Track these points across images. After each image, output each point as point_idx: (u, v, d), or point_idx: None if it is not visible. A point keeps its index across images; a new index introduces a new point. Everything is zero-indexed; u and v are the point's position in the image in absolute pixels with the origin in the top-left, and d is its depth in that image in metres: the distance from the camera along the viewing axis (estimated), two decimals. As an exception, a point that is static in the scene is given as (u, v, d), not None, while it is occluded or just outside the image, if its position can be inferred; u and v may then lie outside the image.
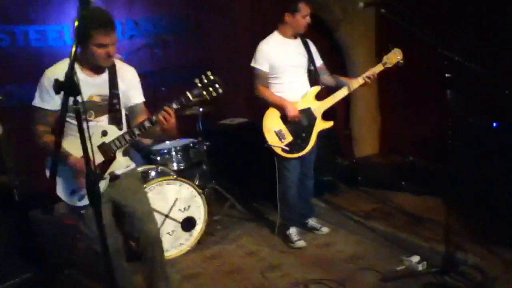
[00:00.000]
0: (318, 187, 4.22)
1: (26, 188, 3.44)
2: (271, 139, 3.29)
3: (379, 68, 3.33)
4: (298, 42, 3.40)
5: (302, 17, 3.26)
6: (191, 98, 2.39)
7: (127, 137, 2.42)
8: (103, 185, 2.43)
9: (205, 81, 2.39)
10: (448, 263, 2.76)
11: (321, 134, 3.46)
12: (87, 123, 2.27)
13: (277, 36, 3.36)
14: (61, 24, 4.60)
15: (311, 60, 3.42)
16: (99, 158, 2.39)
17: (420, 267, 2.87)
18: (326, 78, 3.48)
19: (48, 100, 2.31)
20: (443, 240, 3.07)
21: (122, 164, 2.49)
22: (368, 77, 3.32)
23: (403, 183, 4.24)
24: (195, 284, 3.07)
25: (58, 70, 2.29)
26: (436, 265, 2.83)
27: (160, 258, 2.69)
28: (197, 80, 2.40)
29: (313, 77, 3.45)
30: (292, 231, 3.50)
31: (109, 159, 2.43)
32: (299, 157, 3.37)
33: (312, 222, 3.67)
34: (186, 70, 5.26)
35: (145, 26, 5.15)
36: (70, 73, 1.72)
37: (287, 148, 3.30)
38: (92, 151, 1.83)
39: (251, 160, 4.21)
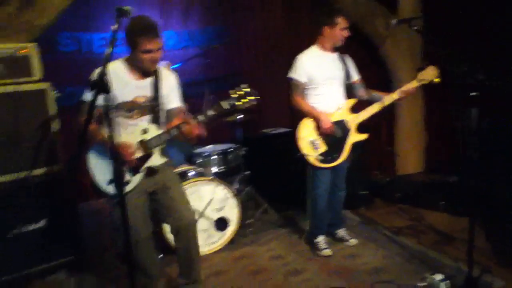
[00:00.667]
0: (354, 201, 4.29)
1: (75, 181, 3.80)
2: (305, 148, 3.39)
3: (413, 84, 3.34)
4: (335, 56, 3.48)
5: (340, 30, 3.35)
6: (225, 107, 2.57)
7: (164, 137, 2.63)
8: (138, 178, 2.66)
9: (240, 92, 2.57)
10: (471, 284, 2.71)
11: (356, 146, 3.53)
12: (130, 120, 2.57)
13: (316, 49, 3.46)
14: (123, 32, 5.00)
15: (347, 73, 3.49)
16: (137, 153, 2.62)
17: (442, 286, 2.84)
18: (362, 92, 3.54)
19: (90, 95, 2.55)
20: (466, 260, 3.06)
21: (158, 160, 2.71)
22: (403, 93, 3.35)
23: (441, 203, 4.16)
24: (220, 280, 3.22)
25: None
26: (459, 285, 2.79)
27: (193, 241, 2.87)
28: (232, 91, 2.59)
29: (349, 90, 3.53)
30: (320, 239, 3.56)
31: (147, 155, 2.66)
32: (331, 168, 3.44)
33: (341, 232, 3.71)
34: (232, 79, 5.53)
35: (198, 37, 5.45)
36: (102, 73, 1.96)
37: (320, 158, 3.39)
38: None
39: (287, 168, 4.31)
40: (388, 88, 4.96)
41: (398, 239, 3.67)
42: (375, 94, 3.49)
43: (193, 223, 2.85)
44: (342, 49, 3.57)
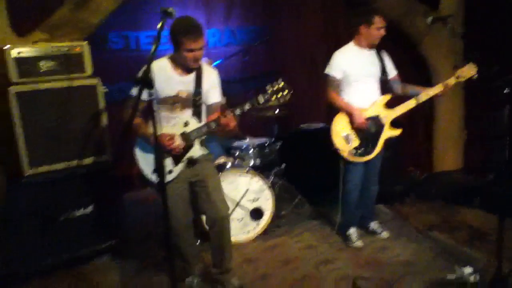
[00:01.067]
0: (388, 196, 4.34)
1: (122, 172, 4.06)
2: (339, 143, 3.48)
3: (452, 81, 3.37)
4: (372, 52, 3.54)
5: (377, 29, 3.40)
6: (260, 102, 2.72)
7: (204, 129, 2.81)
8: (180, 168, 2.85)
9: (275, 87, 2.71)
10: (500, 279, 2.73)
11: (392, 142, 3.59)
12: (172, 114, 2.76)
13: (352, 47, 3.53)
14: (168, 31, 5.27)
15: (383, 70, 3.54)
16: (181, 145, 2.81)
17: (471, 279, 2.87)
18: (398, 88, 3.58)
19: (136, 90, 2.75)
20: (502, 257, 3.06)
21: (198, 151, 2.89)
22: (440, 90, 3.38)
23: (476, 199, 4.13)
24: (252, 267, 3.37)
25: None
26: (489, 279, 2.80)
27: (226, 234, 3.03)
28: (268, 86, 2.73)
29: (385, 87, 3.57)
30: (352, 231, 3.65)
31: (188, 146, 2.85)
32: (363, 163, 3.52)
33: (373, 225, 3.78)
34: (271, 76, 5.65)
35: (240, 35, 5.65)
36: (147, 70, 2.15)
37: (353, 152, 3.47)
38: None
39: (322, 163, 4.40)
40: (427, 86, 4.98)
41: (430, 234, 3.70)
42: (412, 89, 3.53)
43: (227, 216, 3.02)
44: (380, 46, 3.63)
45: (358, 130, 3.46)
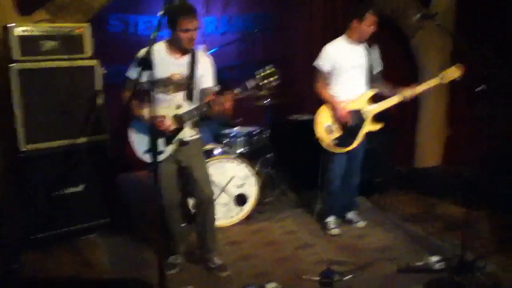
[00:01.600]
0: (368, 187, 4.54)
1: (118, 152, 4.21)
2: (321, 132, 3.65)
3: (434, 82, 3.53)
4: (362, 47, 3.67)
5: (367, 26, 3.53)
6: (249, 87, 2.88)
7: (195, 112, 2.97)
8: (171, 148, 3.02)
9: (263, 73, 2.87)
10: (463, 264, 2.94)
11: (376, 135, 3.76)
12: (166, 95, 2.91)
13: (343, 40, 3.66)
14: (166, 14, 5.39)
15: (370, 64, 3.68)
16: (171, 126, 2.98)
17: (437, 266, 3.08)
18: (379, 85, 3.72)
19: (134, 72, 2.90)
20: (470, 247, 3.28)
21: (189, 133, 3.05)
22: (421, 90, 3.56)
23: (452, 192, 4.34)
24: (235, 249, 3.56)
25: (143, 52, 2.89)
26: (453, 266, 3.02)
27: (211, 217, 3.22)
28: (257, 72, 2.89)
29: (372, 81, 3.72)
30: (330, 219, 3.84)
31: (179, 128, 3.01)
32: (346, 154, 3.70)
33: (351, 215, 3.97)
34: (269, 63, 5.80)
35: (237, 22, 5.72)
36: (148, 52, 2.31)
37: (334, 143, 3.65)
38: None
39: (309, 153, 4.57)
40: (415, 80, 5.15)
41: (406, 225, 3.91)
42: (389, 90, 3.64)
43: (211, 199, 3.20)
44: (373, 39, 3.78)
45: (340, 122, 3.63)
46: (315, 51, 3.77)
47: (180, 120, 2.97)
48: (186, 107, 2.99)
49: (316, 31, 5.64)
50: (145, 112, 2.85)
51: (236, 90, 2.87)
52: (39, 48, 3.49)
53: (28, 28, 3.44)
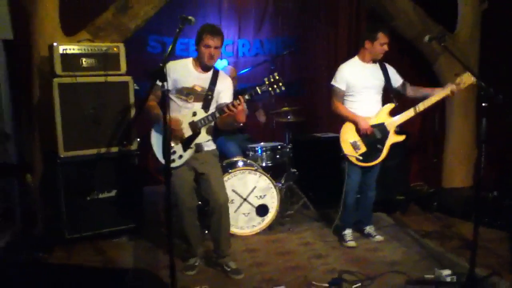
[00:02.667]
0: (390, 205, 4.58)
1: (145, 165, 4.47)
2: (347, 149, 3.76)
3: (451, 88, 3.57)
4: (375, 66, 3.80)
5: (380, 45, 3.66)
6: (259, 92, 3.08)
7: (210, 118, 3.19)
8: (189, 152, 3.25)
9: (272, 80, 3.07)
10: (473, 280, 2.93)
11: (398, 153, 3.84)
12: (187, 103, 3.17)
13: (356, 60, 3.82)
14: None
15: (388, 81, 3.79)
16: (188, 132, 3.22)
17: (447, 279, 3.08)
18: (410, 90, 3.83)
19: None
20: (486, 265, 3.27)
21: (204, 138, 3.28)
22: (439, 97, 3.62)
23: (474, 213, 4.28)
24: (252, 255, 3.71)
25: (174, 64, 3.26)
26: (465, 281, 3.01)
27: (225, 221, 3.39)
28: (265, 79, 3.09)
29: (390, 96, 3.81)
30: (347, 232, 3.91)
31: (196, 134, 3.24)
32: (362, 168, 3.79)
33: (369, 229, 4.02)
34: (296, 84, 6.07)
35: (268, 45, 6.07)
36: (163, 65, 2.57)
37: (360, 158, 3.74)
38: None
39: (331, 169, 4.68)
40: (442, 105, 5.19)
41: (422, 241, 3.91)
42: (424, 91, 3.75)
43: (226, 205, 3.38)
44: (395, 64, 3.90)
45: (364, 137, 3.73)
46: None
47: (196, 126, 3.20)
48: (201, 114, 3.22)
49: (342, 53, 5.81)
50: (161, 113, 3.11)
51: (246, 96, 3.06)
52: (79, 64, 3.86)
53: (70, 46, 3.82)
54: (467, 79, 3.52)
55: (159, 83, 3.08)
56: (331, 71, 5.80)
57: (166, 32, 5.66)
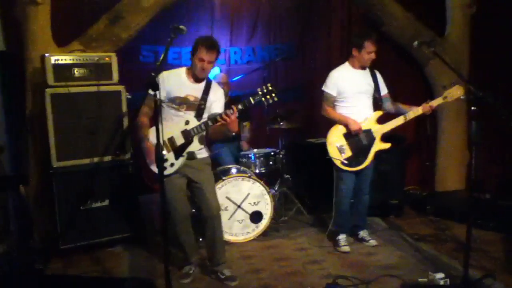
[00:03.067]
0: (384, 209, 4.60)
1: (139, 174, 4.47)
2: (333, 152, 3.79)
3: (438, 101, 3.65)
4: (365, 72, 3.84)
5: (367, 53, 3.70)
6: (252, 102, 3.10)
7: (203, 126, 3.20)
8: (181, 160, 3.25)
9: (265, 90, 3.08)
10: (466, 282, 2.94)
11: (391, 157, 3.89)
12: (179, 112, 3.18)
13: (347, 66, 3.85)
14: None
15: (376, 88, 3.84)
16: (180, 141, 3.23)
17: (441, 282, 3.09)
18: (389, 105, 3.87)
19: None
20: (480, 267, 3.29)
21: (197, 146, 3.29)
22: (427, 109, 3.64)
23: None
24: (248, 262, 3.71)
25: (168, 74, 3.30)
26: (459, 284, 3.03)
27: (218, 229, 3.40)
28: (259, 89, 3.11)
29: (377, 104, 3.88)
30: (341, 237, 3.92)
31: (188, 142, 3.24)
32: (355, 172, 3.81)
33: (362, 233, 4.03)
34: (290, 91, 6.10)
35: (260, 52, 6.07)
36: (155, 75, 2.59)
37: (345, 162, 3.76)
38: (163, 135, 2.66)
39: (324, 174, 4.69)
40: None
41: (417, 244, 3.93)
42: (401, 107, 3.80)
43: (219, 213, 3.39)
44: (388, 67, 3.94)
45: (350, 142, 3.76)
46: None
47: (188, 135, 3.21)
48: (194, 123, 3.23)
49: (335, 58, 5.83)
50: (148, 135, 3.19)
51: (240, 106, 3.08)
52: (71, 74, 3.87)
53: (62, 57, 3.84)
54: (455, 92, 3.56)
55: (151, 92, 3.15)
56: (325, 77, 5.93)
57: (159, 41, 5.67)
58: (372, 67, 3.89)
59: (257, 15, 5.99)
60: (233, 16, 5.94)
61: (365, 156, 3.78)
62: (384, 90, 3.90)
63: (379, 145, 3.79)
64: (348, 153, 3.77)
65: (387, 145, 3.81)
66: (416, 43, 3.39)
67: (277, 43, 6.09)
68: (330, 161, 3.84)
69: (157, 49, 5.71)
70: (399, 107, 3.82)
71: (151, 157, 3.17)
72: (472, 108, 2.86)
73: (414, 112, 3.69)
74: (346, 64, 3.88)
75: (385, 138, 3.81)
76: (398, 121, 3.74)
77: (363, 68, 3.84)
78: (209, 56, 3.17)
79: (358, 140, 3.76)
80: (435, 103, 3.66)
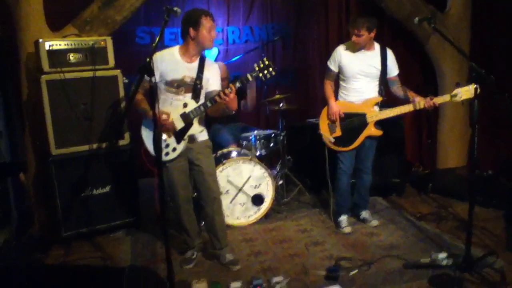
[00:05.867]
0: (386, 188, 4.59)
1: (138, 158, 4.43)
2: (324, 129, 3.76)
3: (445, 99, 3.48)
4: (374, 52, 3.70)
5: (354, 35, 3.59)
6: (250, 78, 3.03)
7: (202, 108, 3.15)
8: (183, 144, 3.21)
9: (262, 65, 3.02)
10: (469, 260, 2.95)
11: (393, 137, 3.97)
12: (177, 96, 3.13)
13: (354, 44, 3.69)
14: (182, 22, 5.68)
15: (383, 70, 3.69)
16: (180, 124, 3.18)
17: (444, 262, 3.09)
18: (395, 89, 3.77)
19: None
20: (482, 245, 3.30)
21: (197, 129, 3.25)
22: (430, 104, 3.50)
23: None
24: (250, 245, 3.71)
25: (161, 55, 3.19)
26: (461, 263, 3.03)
27: (219, 214, 3.39)
28: (255, 65, 3.04)
29: (388, 85, 3.78)
30: (343, 218, 3.92)
31: (188, 125, 3.20)
32: (351, 153, 3.79)
33: (364, 214, 4.03)
34: (287, 72, 6.04)
35: (258, 32, 6.00)
36: (149, 60, 2.52)
37: (332, 140, 3.75)
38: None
39: (324, 155, 4.67)
40: (433, 83, 5.16)
41: (419, 223, 3.93)
42: (409, 94, 3.65)
43: (218, 198, 3.38)
44: (388, 44, 3.85)
45: (342, 122, 3.72)
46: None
47: (188, 118, 3.16)
48: (192, 105, 3.18)
49: (332, 38, 5.76)
50: (149, 108, 3.11)
51: (237, 83, 3.02)
52: (66, 60, 3.80)
53: (56, 42, 3.76)
54: (466, 93, 3.28)
55: (147, 78, 3.08)
56: (322, 58, 5.85)
57: (154, 22, 5.59)
58: (384, 46, 3.76)
59: (253, -7, 5.89)
60: (230, -6, 5.84)
61: (353, 139, 3.74)
62: (393, 72, 3.75)
63: (370, 131, 3.72)
64: (338, 132, 3.74)
65: (379, 132, 3.75)
66: (417, 19, 3.30)
67: (274, 22, 6.00)
68: (319, 136, 3.83)
69: (153, 31, 5.64)
70: (408, 94, 3.66)
71: (166, 120, 3.09)
72: (475, 86, 2.81)
73: (422, 103, 3.52)
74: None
75: (381, 124, 3.75)
76: (404, 109, 3.59)
77: (372, 47, 3.71)
78: (213, 23, 3.13)
79: (350, 121, 3.71)
80: (439, 100, 3.50)
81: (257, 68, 3.00)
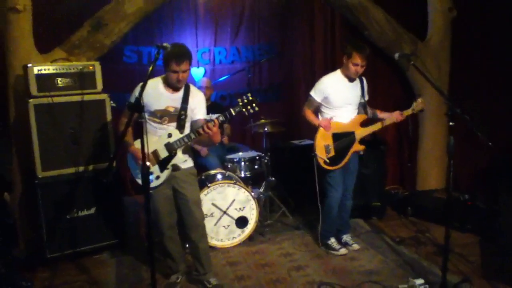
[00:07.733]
0: (367, 211, 4.71)
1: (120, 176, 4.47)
2: (319, 151, 3.85)
3: (408, 112, 3.90)
4: (356, 81, 3.89)
5: (353, 65, 3.70)
6: (233, 113, 3.11)
7: (185, 139, 3.23)
8: (166, 173, 3.28)
9: (245, 100, 3.11)
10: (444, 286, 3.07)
11: (373, 160, 4.27)
12: (161, 125, 3.19)
13: (339, 75, 3.85)
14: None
15: (362, 94, 3.94)
16: (164, 154, 3.25)
17: (421, 288, 3.21)
18: (368, 110, 4.04)
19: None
20: (457, 272, 3.42)
21: (181, 158, 3.31)
22: (399, 117, 3.91)
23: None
24: (234, 269, 3.78)
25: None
26: (437, 290, 3.15)
27: (203, 240, 3.46)
28: (239, 100, 3.13)
29: (363, 109, 3.99)
30: (333, 240, 4.04)
31: (172, 155, 3.27)
32: (341, 176, 3.92)
33: (346, 238, 4.13)
34: (273, 90, 6.19)
35: (245, 53, 6.13)
36: (139, 98, 2.61)
37: (328, 161, 3.85)
38: (148, 148, 2.68)
39: (308, 177, 4.77)
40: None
41: (398, 248, 4.05)
42: (378, 113, 4.02)
43: (203, 223, 3.45)
44: (372, 70, 4.04)
45: (336, 142, 3.85)
46: (317, 77, 4.04)
47: (172, 147, 3.23)
48: (177, 135, 3.25)
49: (318, 58, 5.90)
50: (132, 141, 3.24)
51: (221, 117, 3.11)
52: (55, 84, 3.85)
53: (45, 67, 3.81)
54: (419, 105, 3.91)
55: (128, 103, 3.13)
56: (308, 76, 6.00)
57: (142, 41, 5.67)
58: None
59: (240, 14, 6.03)
60: (217, 15, 5.97)
61: (343, 157, 3.89)
62: (365, 97, 3.98)
63: (356, 147, 3.93)
64: (332, 152, 3.86)
65: (362, 147, 3.96)
66: (397, 55, 3.47)
67: (261, 43, 6.14)
68: (312, 160, 3.92)
69: (140, 50, 5.72)
70: (375, 113, 4.03)
71: (137, 160, 3.19)
72: (450, 123, 2.95)
73: (390, 119, 3.91)
74: (338, 72, 3.89)
75: (362, 140, 3.96)
76: (375, 127, 3.92)
77: (352, 78, 3.84)
78: (181, 67, 3.12)
79: (341, 141, 3.86)
80: (406, 113, 3.91)
81: (240, 103, 3.09)
